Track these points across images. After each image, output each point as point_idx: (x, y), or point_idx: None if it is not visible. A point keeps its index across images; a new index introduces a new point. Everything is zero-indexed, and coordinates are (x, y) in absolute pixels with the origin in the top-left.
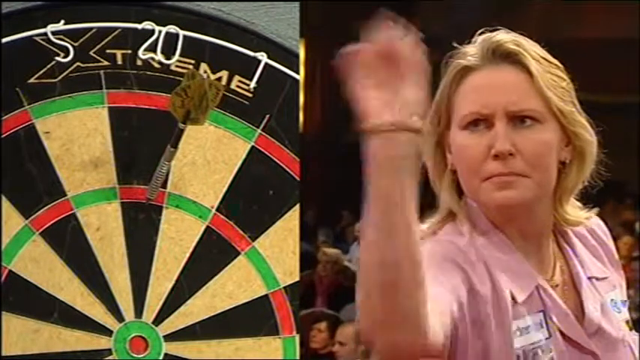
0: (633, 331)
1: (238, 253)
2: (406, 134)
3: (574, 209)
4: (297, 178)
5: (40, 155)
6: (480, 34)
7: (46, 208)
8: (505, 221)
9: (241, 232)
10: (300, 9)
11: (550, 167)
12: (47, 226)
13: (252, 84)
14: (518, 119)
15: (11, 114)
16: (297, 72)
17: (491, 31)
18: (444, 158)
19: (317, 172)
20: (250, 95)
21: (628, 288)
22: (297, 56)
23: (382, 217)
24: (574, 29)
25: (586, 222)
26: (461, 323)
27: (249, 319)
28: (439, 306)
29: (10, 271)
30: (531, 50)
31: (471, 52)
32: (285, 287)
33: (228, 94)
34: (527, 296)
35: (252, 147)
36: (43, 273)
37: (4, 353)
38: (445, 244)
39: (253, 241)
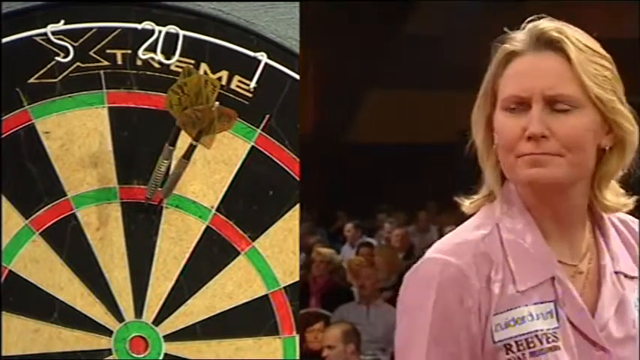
0: None
1: (238, 253)
2: None
3: (614, 196)
4: (297, 178)
5: (40, 155)
6: (529, 22)
7: (46, 208)
8: (539, 201)
9: (241, 232)
10: (300, 9)
11: (585, 150)
12: (47, 226)
13: (252, 84)
14: (554, 103)
15: (11, 114)
16: (297, 72)
17: (538, 19)
18: (491, 137)
19: (312, 173)
20: (250, 95)
21: None
22: (297, 56)
23: None
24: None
25: (625, 208)
26: None
27: (249, 319)
28: None
29: (10, 271)
30: (573, 38)
31: (517, 38)
32: (285, 287)
33: (228, 94)
34: (535, 284)
35: (252, 147)
36: (43, 273)
37: (4, 353)
38: (446, 282)
39: (253, 241)
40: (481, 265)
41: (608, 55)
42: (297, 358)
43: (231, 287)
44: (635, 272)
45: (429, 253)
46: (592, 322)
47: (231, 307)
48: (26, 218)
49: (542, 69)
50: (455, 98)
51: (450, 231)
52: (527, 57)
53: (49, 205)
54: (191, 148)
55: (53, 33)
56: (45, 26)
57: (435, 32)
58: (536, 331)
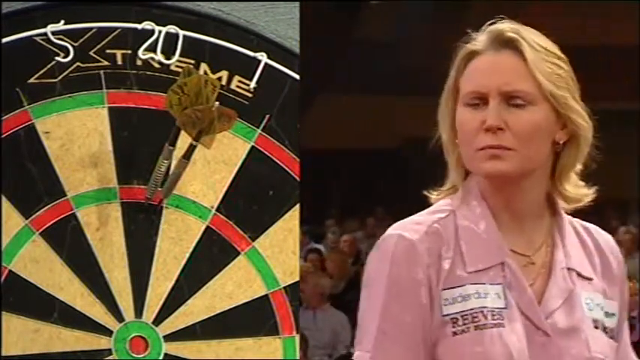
0: (599, 331)
1: (238, 253)
2: None
3: (575, 188)
4: (297, 178)
5: (40, 155)
6: (490, 24)
7: (46, 208)
8: (494, 192)
9: (241, 232)
10: (300, 9)
11: (538, 144)
12: (47, 226)
13: (252, 84)
14: (510, 99)
15: (11, 114)
16: (297, 72)
17: (499, 21)
18: (454, 134)
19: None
20: (250, 95)
21: None
22: (297, 56)
23: None
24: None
25: (585, 199)
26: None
27: (249, 319)
28: None
29: (10, 271)
30: (529, 38)
31: (478, 38)
32: (285, 287)
33: (228, 94)
34: (484, 267)
35: (252, 147)
36: (43, 273)
37: (4, 353)
38: (400, 253)
39: (253, 241)
40: (433, 242)
41: (564, 57)
42: (297, 358)
43: (231, 287)
44: (589, 273)
45: (388, 230)
46: (537, 308)
47: (231, 307)
48: (26, 218)
49: (500, 66)
50: (404, 103)
51: None
52: (486, 56)
53: (49, 205)
54: (191, 148)
55: (53, 33)
56: (45, 26)
57: (387, 37)
58: (482, 307)
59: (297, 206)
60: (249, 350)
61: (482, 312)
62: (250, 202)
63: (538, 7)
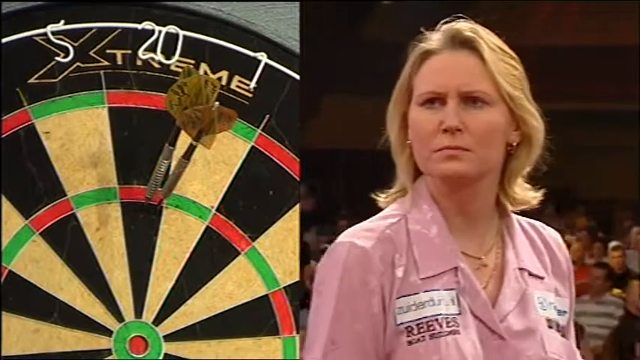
0: (553, 330)
1: (238, 253)
2: None
3: (523, 190)
4: (297, 178)
5: (40, 155)
6: (444, 23)
7: (46, 208)
8: (448, 193)
9: (241, 232)
10: (300, 9)
11: (495, 146)
12: (47, 226)
13: (252, 84)
14: (469, 100)
15: (11, 114)
16: (297, 72)
17: (453, 20)
18: (404, 134)
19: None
20: (250, 95)
21: (584, 293)
22: (297, 56)
23: None
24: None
25: (533, 202)
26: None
27: (249, 319)
28: None
29: (10, 271)
30: (486, 39)
31: (433, 37)
32: (285, 287)
33: (228, 94)
34: (437, 273)
35: (252, 147)
36: (43, 273)
37: (4, 353)
38: (352, 260)
39: (253, 241)
40: (386, 249)
41: (516, 56)
42: (297, 358)
43: (231, 287)
44: (541, 273)
45: (339, 238)
46: (492, 312)
47: (231, 307)
48: (26, 218)
49: (458, 66)
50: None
51: None
52: (442, 55)
53: (49, 205)
54: (191, 148)
55: (53, 33)
56: (45, 26)
57: (395, 38)
58: (437, 315)
59: (297, 206)
60: (249, 350)
61: (437, 320)
62: (250, 202)
63: (549, 6)
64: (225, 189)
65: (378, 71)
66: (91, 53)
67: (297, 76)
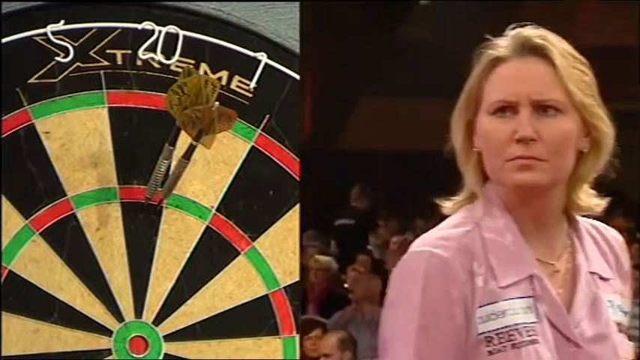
0: (623, 335)
1: (238, 253)
2: None
3: (588, 197)
4: (297, 178)
5: (40, 155)
6: (512, 29)
7: (46, 208)
8: (520, 203)
9: (241, 232)
10: (300, 9)
11: (568, 155)
12: (47, 226)
13: (252, 84)
14: (541, 108)
15: (11, 114)
16: (297, 72)
17: (521, 26)
18: (470, 141)
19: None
20: (250, 95)
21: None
22: (297, 56)
23: None
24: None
25: (597, 209)
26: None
27: (249, 319)
28: None
29: (10, 271)
30: (557, 45)
31: (502, 44)
32: (285, 287)
33: (228, 94)
34: (515, 281)
35: (252, 147)
36: (43, 273)
37: (4, 353)
38: (432, 269)
39: (253, 241)
40: (464, 258)
41: (586, 61)
42: (297, 358)
43: (231, 287)
44: (609, 274)
45: (413, 247)
46: (567, 318)
47: (231, 307)
48: (26, 218)
49: (529, 74)
50: (451, 106)
51: None
52: (512, 63)
53: (49, 205)
54: (191, 148)
55: (53, 33)
56: (45, 26)
57: (433, 38)
58: (517, 324)
59: (297, 206)
60: (249, 350)
61: (517, 329)
62: (250, 202)
63: (589, 6)
64: (225, 189)
65: (412, 72)
66: (91, 53)
67: (297, 76)
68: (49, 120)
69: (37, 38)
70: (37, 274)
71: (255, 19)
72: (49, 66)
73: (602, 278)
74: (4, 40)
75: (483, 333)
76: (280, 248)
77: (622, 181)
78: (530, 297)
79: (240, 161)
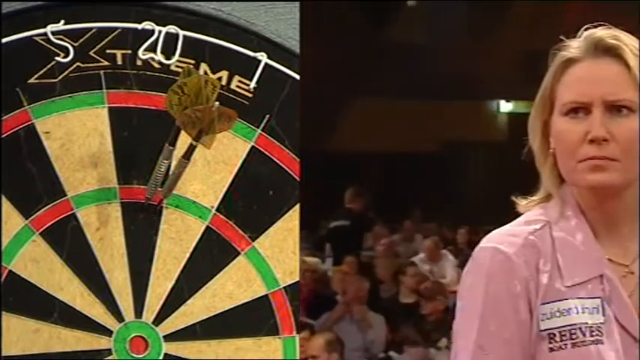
0: None
1: (238, 253)
2: None
3: None
4: (297, 178)
5: (40, 155)
6: (585, 30)
7: (46, 208)
8: (594, 204)
9: (241, 232)
10: (300, 9)
11: (638, 154)
12: (47, 226)
13: (252, 84)
14: (614, 108)
15: (11, 114)
16: (297, 72)
17: (594, 27)
18: (547, 143)
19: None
20: (250, 95)
21: None
22: (297, 56)
23: None
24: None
25: None
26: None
27: (249, 319)
28: None
29: (10, 271)
30: (630, 45)
31: (574, 45)
32: (285, 287)
33: (228, 94)
34: (582, 281)
35: (252, 147)
36: (43, 273)
37: (4, 353)
38: (497, 266)
39: (253, 241)
40: (530, 255)
41: None
42: (297, 358)
43: (231, 287)
44: None
45: (481, 243)
46: (636, 320)
47: (231, 307)
48: (26, 218)
49: (602, 75)
50: (442, 108)
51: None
52: (585, 63)
53: (49, 205)
54: (191, 148)
55: (53, 33)
56: (45, 26)
57: (423, 40)
58: (581, 324)
59: (297, 206)
60: (249, 350)
61: (580, 328)
62: (250, 202)
63: (579, 7)
64: (225, 189)
65: (403, 73)
66: (91, 53)
67: (297, 76)
68: (49, 120)
69: (37, 38)
70: (37, 274)
71: (255, 19)
72: (49, 66)
73: None
74: (4, 40)
75: (545, 330)
76: (280, 248)
77: None
78: (598, 297)
79: (240, 161)
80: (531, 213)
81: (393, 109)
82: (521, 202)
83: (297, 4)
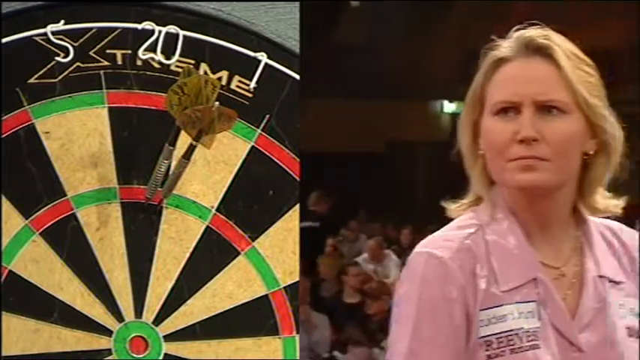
0: (633, 339)
1: (238, 253)
2: None
3: (603, 199)
4: (297, 178)
5: (40, 155)
6: (516, 30)
7: (46, 208)
8: (525, 205)
9: (241, 232)
10: (300, 9)
11: (571, 155)
12: (47, 226)
13: (252, 84)
14: (545, 108)
15: (11, 114)
16: (297, 72)
17: (526, 27)
18: (476, 144)
19: None
20: (250, 95)
21: None
22: (297, 56)
23: None
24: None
25: (615, 210)
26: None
27: (249, 319)
28: None
29: (10, 271)
30: (562, 45)
31: (505, 45)
32: (285, 287)
33: (228, 94)
34: (518, 285)
35: (252, 147)
36: (43, 273)
37: (4, 353)
38: (431, 272)
39: (253, 241)
40: (465, 259)
41: (592, 63)
42: (297, 358)
43: (231, 287)
44: (620, 278)
45: (416, 248)
46: (571, 324)
47: (231, 307)
48: (26, 218)
49: (533, 75)
50: (385, 108)
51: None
52: (516, 63)
53: (49, 205)
54: (191, 148)
55: (53, 33)
56: (45, 26)
57: (361, 41)
58: (518, 329)
59: (297, 206)
60: (249, 350)
61: (517, 334)
62: (250, 202)
63: (523, 7)
64: (225, 189)
65: (351, 73)
66: (91, 53)
67: (297, 76)
68: (49, 120)
69: (37, 38)
70: (37, 274)
71: (255, 19)
72: (49, 66)
73: (613, 281)
74: (4, 40)
75: (484, 337)
76: (280, 248)
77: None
78: (533, 301)
79: (240, 161)
80: (463, 217)
81: (337, 109)
82: (451, 207)
83: (297, 4)
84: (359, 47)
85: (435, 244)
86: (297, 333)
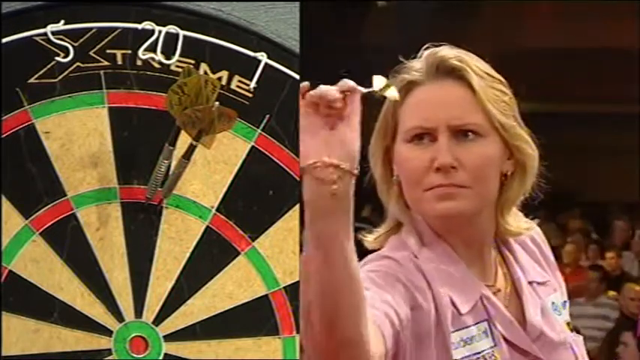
0: (574, 332)
1: (238, 253)
2: (339, 173)
3: (515, 220)
4: (297, 178)
5: (40, 155)
6: (425, 49)
7: (46, 208)
8: (447, 231)
9: (241, 232)
10: (300, 9)
11: (491, 179)
12: (47, 226)
13: (252, 84)
14: (460, 133)
15: (11, 114)
16: (297, 72)
17: (436, 47)
18: (390, 170)
19: None
20: (250, 95)
21: (579, 296)
22: (297, 56)
23: (319, 253)
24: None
25: (526, 232)
26: (403, 338)
27: (249, 319)
28: (381, 324)
29: (10, 271)
30: (474, 66)
31: (415, 67)
32: (285, 287)
33: (228, 94)
34: (471, 307)
35: (252, 147)
36: (43, 273)
37: (4, 353)
38: (386, 262)
39: (253, 241)
40: (411, 275)
41: (503, 80)
42: (297, 358)
43: (231, 287)
44: (544, 277)
45: (364, 266)
46: (523, 335)
47: (231, 307)
48: (26, 218)
49: (446, 99)
50: None
51: None
52: (427, 86)
53: (49, 205)
54: (191, 148)
55: (53, 33)
56: (45, 26)
57: (383, 41)
58: (482, 351)
59: (297, 206)
60: (249, 350)
61: (483, 355)
62: (250, 202)
63: (546, 7)
64: (225, 189)
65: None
66: (91, 53)
67: (297, 76)
68: (49, 120)
69: (37, 38)
70: (37, 274)
71: (255, 19)
72: (49, 66)
73: (540, 284)
74: (4, 40)
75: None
76: (280, 248)
77: (577, 181)
78: (485, 320)
79: (240, 161)
80: (389, 245)
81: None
82: (368, 238)
83: (297, 4)
84: (387, 48)
85: (383, 253)
86: (297, 333)
